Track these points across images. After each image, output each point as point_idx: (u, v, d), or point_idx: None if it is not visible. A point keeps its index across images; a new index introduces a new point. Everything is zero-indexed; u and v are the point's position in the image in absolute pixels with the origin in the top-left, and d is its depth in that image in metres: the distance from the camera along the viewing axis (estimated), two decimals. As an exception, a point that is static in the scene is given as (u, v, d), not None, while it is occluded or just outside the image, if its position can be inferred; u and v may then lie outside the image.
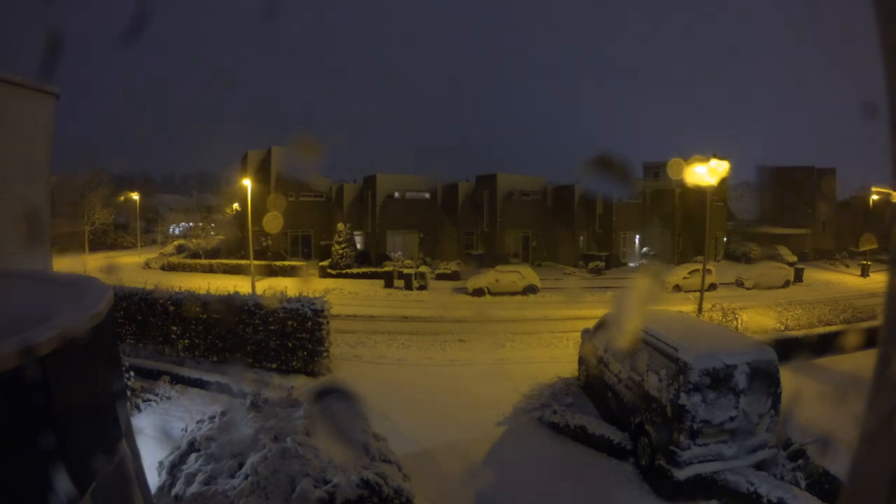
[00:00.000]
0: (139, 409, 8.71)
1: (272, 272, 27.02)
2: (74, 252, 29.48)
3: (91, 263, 26.19)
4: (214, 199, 46.70)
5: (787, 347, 10.72)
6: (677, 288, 23.32)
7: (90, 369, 3.77)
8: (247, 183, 23.48)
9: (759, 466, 7.09)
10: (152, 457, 5.83)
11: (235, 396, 8.93)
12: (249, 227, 22.42)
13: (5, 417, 2.72)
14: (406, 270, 25.24)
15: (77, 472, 3.17)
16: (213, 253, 34.08)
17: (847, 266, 33.11)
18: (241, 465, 5.30)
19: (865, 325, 13.20)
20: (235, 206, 39.44)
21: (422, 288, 24.22)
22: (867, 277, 28.64)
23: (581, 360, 10.80)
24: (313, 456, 5.29)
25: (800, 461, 7.24)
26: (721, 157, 15.86)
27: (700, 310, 14.88)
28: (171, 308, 11.55)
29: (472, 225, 33.17)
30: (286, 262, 28.91)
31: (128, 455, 4.07)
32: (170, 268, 30.73)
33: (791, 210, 38.10)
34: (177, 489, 5.31)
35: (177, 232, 48.31)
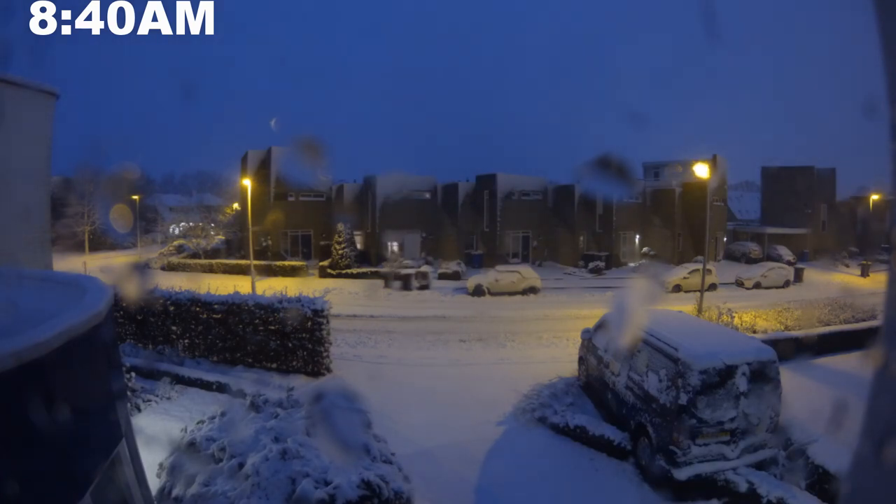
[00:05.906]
0: (139, 409, 8.70)
1: (272, 272, 27.04)
2: (74, 252, 29.46)
3: (91, 263, 26.16)
4: (214, 199, 46.70)
5: (787, 347, 10.72)
6: (677, 288, 23.31)
7: (90, 369, 3.77)
8: (247, 183, 23.52)
9: (759, 466, 7.09)
10: (152, 457, 5.82)
11: (235, 396, 8.93)
12: (249, 227, 22.45)
13: (5, 417, 2.72)
14: (406, 270, 25.25)
15: (77, 473, 3.17)
16: (213, 253, 34.08)
17: (847, 266, 33.06)
18: (241, 466, 5.30)
19: (865, 325, 13.19)
20: (235, 206, 39.46)
21: (422, 288, 24.23)
22: (867, 277, 28.64)
23: (581, 360, 10.79)
24: (314, 457, 5.29)
25: (800, 461, 7.24)
26: (720, 157, 15.90)
27: (700, 310, 14.87)
28: (171, 308, 11.57)
29: (472, 225, 33.13)
30: (286, 262, 28.91)
31: (127, 455, 4.07)
32: (170, 268, 30.70)
33: (791, 210, 38.04)
34: (177, 490, 5.32)
35: (177, 232, 48.28)
